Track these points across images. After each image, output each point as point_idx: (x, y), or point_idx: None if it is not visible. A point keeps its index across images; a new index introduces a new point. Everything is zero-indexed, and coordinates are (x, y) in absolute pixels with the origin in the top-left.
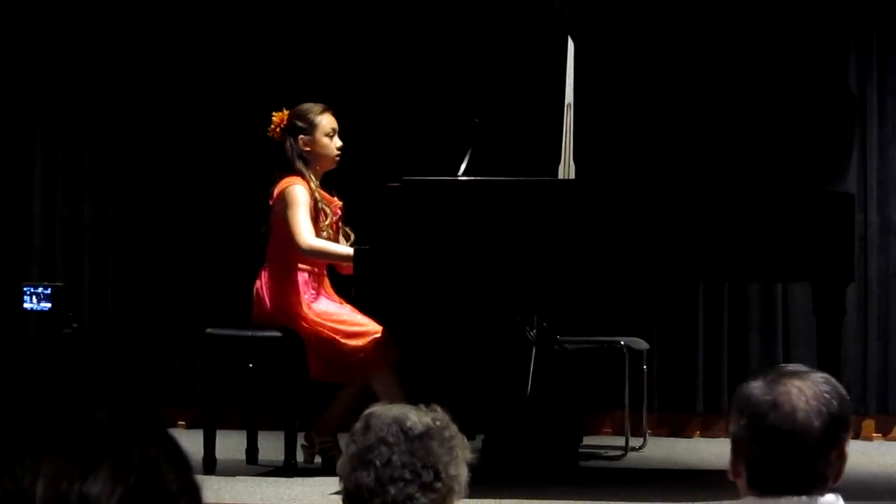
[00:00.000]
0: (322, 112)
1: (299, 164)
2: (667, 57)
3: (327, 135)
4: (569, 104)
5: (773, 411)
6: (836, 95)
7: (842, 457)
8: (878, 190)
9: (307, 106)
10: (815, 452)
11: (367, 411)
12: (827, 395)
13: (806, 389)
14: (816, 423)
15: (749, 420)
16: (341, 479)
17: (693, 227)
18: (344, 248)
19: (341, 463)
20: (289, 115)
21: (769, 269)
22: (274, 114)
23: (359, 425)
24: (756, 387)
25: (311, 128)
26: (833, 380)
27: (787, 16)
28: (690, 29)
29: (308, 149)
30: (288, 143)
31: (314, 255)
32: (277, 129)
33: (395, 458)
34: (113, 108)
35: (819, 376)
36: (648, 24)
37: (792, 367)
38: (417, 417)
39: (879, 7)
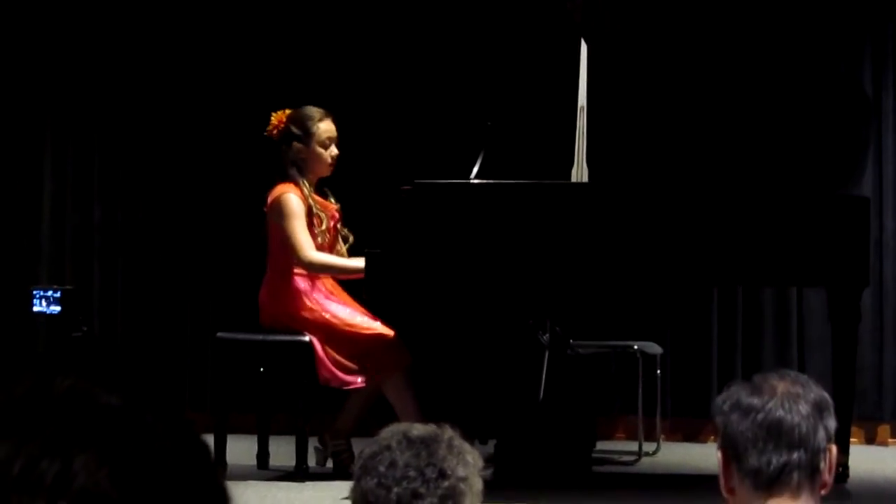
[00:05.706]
0: (321, 119)
1: (293, 171)
2: (680, 59)
3: (322, 144)
4: (582, 106)
5: (752, 395)
6: (851, 98)
7: (827, 441)
8: (894, 194)
9: (306, 112)
10: (799, 431)
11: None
12: (806, 386)
13: (787, 378)
14: (796, 405)
15: (730, 407)
16: (350, 496)
17: (707, 230)
18: (348, 261)
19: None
20: (287, 118)
21: (784, 273)
22: (273, 114)
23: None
24: (736, 383)
25: (306, 137)
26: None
27: (802, 18)
28: (704, 31)
29: (302, 157)
30: (283, 148)
31: (317, 271)
32: (275, 131)
33: (398, 460)
34: (123, 112)
35: (803, 376)
36: (662, 27)
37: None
38: (423, 427)
39: (895, 9)
